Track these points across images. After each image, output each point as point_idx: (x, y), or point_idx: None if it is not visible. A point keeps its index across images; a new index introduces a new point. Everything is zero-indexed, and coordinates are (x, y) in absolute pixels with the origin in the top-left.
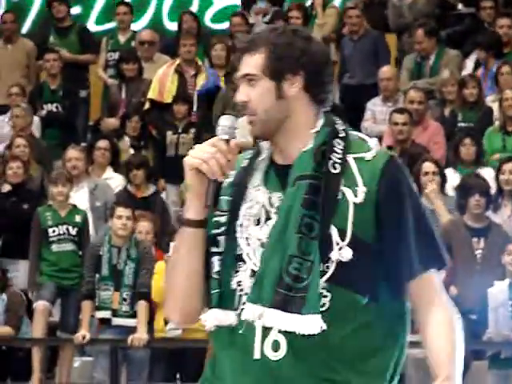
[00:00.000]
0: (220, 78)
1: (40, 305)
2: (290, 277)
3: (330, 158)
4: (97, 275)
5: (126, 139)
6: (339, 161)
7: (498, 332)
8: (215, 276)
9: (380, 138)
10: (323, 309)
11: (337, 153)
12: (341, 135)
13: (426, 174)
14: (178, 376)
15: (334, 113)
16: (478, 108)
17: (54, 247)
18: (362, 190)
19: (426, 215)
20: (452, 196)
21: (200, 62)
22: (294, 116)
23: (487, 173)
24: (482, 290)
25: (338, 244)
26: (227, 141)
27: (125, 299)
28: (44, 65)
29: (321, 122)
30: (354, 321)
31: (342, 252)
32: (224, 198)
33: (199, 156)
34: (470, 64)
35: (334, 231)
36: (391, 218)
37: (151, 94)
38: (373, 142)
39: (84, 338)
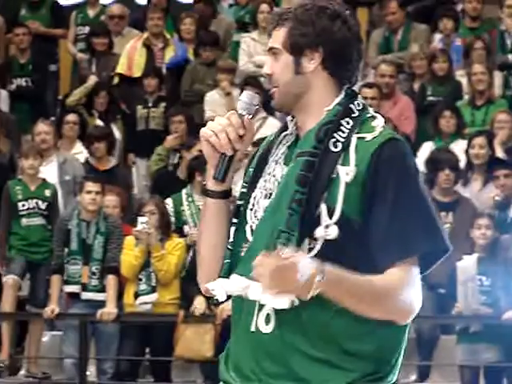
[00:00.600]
0: (188, 51)
1: (9, 279)
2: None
3: (333, 137)
4: (66, 249)
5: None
6: (342, 139)
7: (466, 306)
8: (228, 246)
9: None
10: None
11: (342, 131)
12: (354, 115)
13: None
14: (147, 350)
15: None
16: (448, 82)
17: (24, 221)
18: (351, 169)
19: (416, 200)
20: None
21: (168, 36)
22: (312, 92)
23: (463, 145)
24: (450, 264)
25: (325, 221)
26: (242, 116)
27: (94, 273)
28: (13, 39)
29: (337, 99)
30: None
31: (328, 230)
32: (250, 170)
33: (212, 128)
34: (438, 38)
35: (323, 209)
36: (374, 200)
37: (120, 69)
38: (379, 122)
39: (53, 312)
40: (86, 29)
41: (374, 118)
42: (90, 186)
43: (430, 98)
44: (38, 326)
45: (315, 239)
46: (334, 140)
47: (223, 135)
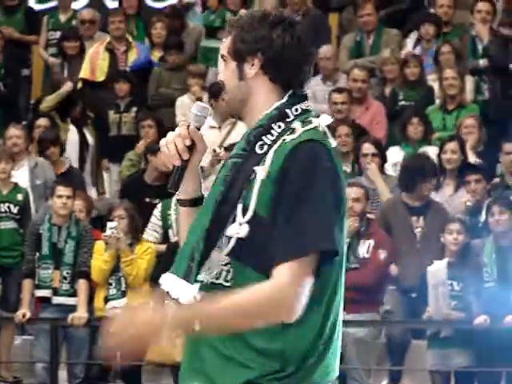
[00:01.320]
0: (152, 53)
1: None
2: (196, 250)
3: (261, 139)
4: (37, 254)
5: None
6: (269, 142)
7: (437, 311)
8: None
9: None
10: (228, 284)
11: (271, 135)
12: (288, 119)
13: (365, 155)
14: (117, 354)
15: None
16: (420, 87)
17: None
18: (265, 168)
19: (309, 205)
20: (393, 175)
21: (130, 38)
22: (255, 97)
23: (431, 151)
24: (421, 269)
25: (238, 220)
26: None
27: (65, 278)
28: None
29: (277, 104)
30: None
31: (240, 228)
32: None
33: (166, 139)
34: (410, 43)
35: (239, 208)
36: (280, 199)
37: (82, 74)
38: (306, 126)
39: (24, 316)
40: (58, 33)
41: (309, 122)
42: (61, 190)
43: (402, 103)
44: (9, 331)
45: (228, 237)
46: (261, 143)
47: (172, 146)
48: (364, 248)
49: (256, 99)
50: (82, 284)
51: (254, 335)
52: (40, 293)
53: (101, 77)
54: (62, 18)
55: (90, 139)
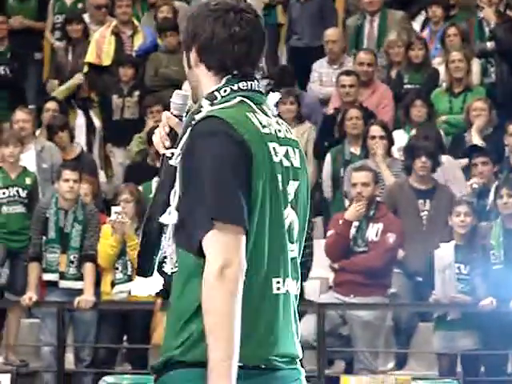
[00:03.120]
0: (157, 37)
1: None
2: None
3: (191, 124)
4: (43, 238)
5: None
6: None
7: (444, 294)
8: None
9: (328, 100)
10: (175, 270)
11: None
12: (215, 101)
13: (373, 137)
14: (124, 338)
15: (282, 73)
16: (425, 70)
17: (4, 209)
18: (177, 152)
19: (201, 180)
20: (399, 159)
21: (137, 23)
22: (200, 85)
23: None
24: (428, 252)
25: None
26: (173, 115)
27: (72, 262)
28: None
29: (212, 88)
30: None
31: (170, 215)
32: None
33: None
34: (416, 26)
35: (171, 195)
36: (180, 180)
37: (89, 58)
38: (205, 104)
39: (31, 299)
40: (63, 17)
41: (227, 101)
42: (68, 174)
43: (407, 86)
44: (16, 314)
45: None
46: (190, 127)
47: (157, 134)
48: (373, 231)
49: (202, 86)
50: (88, 267)
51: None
52: (47, 276)
53: (107, 61)
54: (68, 1)
55: (97, 122)
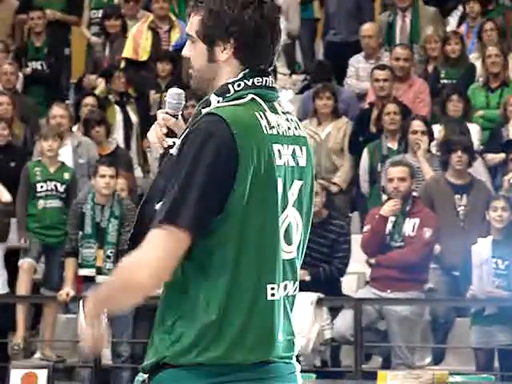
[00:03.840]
0: None
1: (25, 263)
2: None
3: (200, 113)
4: (80, 233)
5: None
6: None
7: (481, 289)
8: None
9: (364, 95)
10: None
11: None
12: (228, 94)
13: (415, 132)
14: None
15: (319, 68)
16: (461, 65)
17: (41, 203)
18: (178, 142)
19: (180, 178)
20: (437, 154)
21: (173, 17)
22: (221, 77)
23: (472, 128)
24: (465, 247)
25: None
26: (169, 115)
27: (109, 257)
28: (28, 23)
29: (228, 81)
30: None
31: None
32: None
33: (151, 127)
34: (452, 21)
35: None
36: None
37: (126, 53)
38: (213, 100)
39: (68, 295)
40: (100, 12)
41: (241, 98)
42: (104, 170)
43: (444, 81)
44: (53, 309)
45: None
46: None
47: (153, 133)
48: (409, 226)
49: (221, 79)
50: None
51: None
52: (83, 272)
53: (144, 56)
54: None
55: (134, 118)
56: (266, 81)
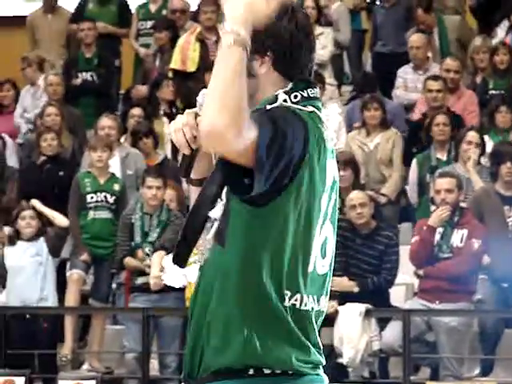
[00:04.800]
0: None
1: (74, 274)
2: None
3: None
4: (131, 243)
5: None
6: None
7: None
8: None
9: (412, 106)
10: (200, 264)
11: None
12: (276, 103)
13: (470, 143)
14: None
15: (365, 80)
16: (509, 75)
17: (90, 214)
18: None
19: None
20: (486, 166)
21: None
22: (263, 91)
23: None
24: None
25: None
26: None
27: (147, 254)
28: (79, 34)
29: (279, 91)
30: None
31: (216, 210)
32: None
33: (174, 126)
34: (500, 32)
35: (225, 189)
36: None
37: (173, 64)
38: (281, 97)
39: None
40: (148, 23)
41: (303, 106)
42: (151, 181)
43: (492, 92)
44: (101, 321)
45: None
46: None
47: (180, 134)
48: (458, 237)
49: (264, 93)
50: (159, 254)
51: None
52: (139, 280)
53: (192, 67)
54: (152, 7)
55: None
56: (316, 91)
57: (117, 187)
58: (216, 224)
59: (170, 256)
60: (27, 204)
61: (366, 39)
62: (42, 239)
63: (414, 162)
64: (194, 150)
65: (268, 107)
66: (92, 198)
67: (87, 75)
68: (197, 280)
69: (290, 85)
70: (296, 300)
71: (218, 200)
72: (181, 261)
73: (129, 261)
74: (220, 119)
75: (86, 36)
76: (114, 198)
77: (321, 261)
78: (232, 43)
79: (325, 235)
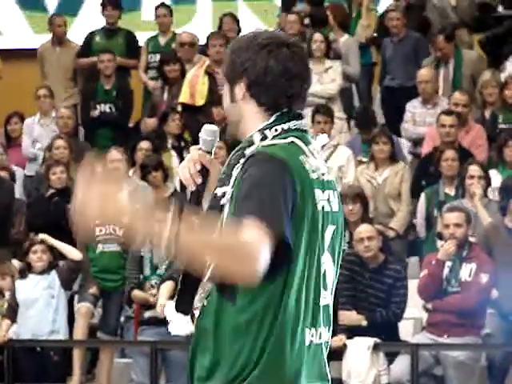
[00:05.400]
0: None
1: (83, 307)
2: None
3: (238, 162)
4: (140, 276)
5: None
6: (245, 158)
7: None
8: None
9: (420, 140)
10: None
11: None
12: (263, 137)
13: (472, 177)
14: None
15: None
16: None
17: (99, 247)
18: (229, 191)
19: (260, 191)
20: (495, 200)
21: None
22: (245, 120)
23: None
24: None
25: None
26: (203, 151)
27: (152, 286)
28: (98, 65)
29: (260, 126)
30: None
31: None
32: None
33: (182, 163)
34: (509, 65)
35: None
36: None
37: (182, 98)
38: (256, 139)
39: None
40: (157, 56)
41: (282, 138)
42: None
43: (501, 126)
44: (110, 354)
45: None
46: (238, 165)
47: (184, 170)
48: (466, 271)
49: (246, 122)
50: (168, 284)
51: None
52: (148, 313)
53: (200, 101)
54: (162, 40)
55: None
56: (301, 123)
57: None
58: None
59: (172, 304)
60: (38, 238)
61: (376, 72)
62: (53, 272)
63: (423, 196)
64: (200, 185)
65: (247, 153)
66: (101, 230)
67: (105, 107)
68: (200, 323)
69: (273, 118)
70: (312, 336)
71: None
72: (184, 308)
73: (136, 293)
74: (240, 271)
75: (105, 68)
76: (122, 230)
77: (323, 292)
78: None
79: (324, 267)
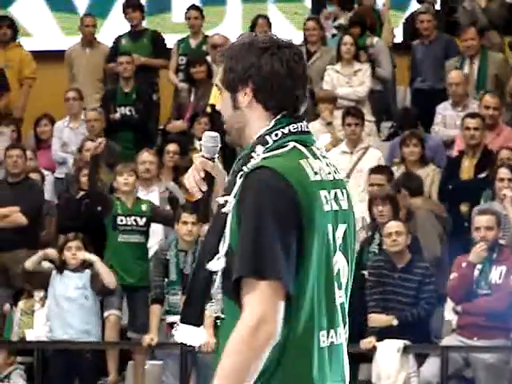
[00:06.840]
0: None
1: (111, 316)
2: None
3: (242, 170)
4: (165, 280)
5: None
6: (246, 170)
7: None
8: None
9: (451, 143)
10: (223, 315)
11: (250, 163)
12: (267, 145)
13: (502, 180)
14: None
15: (405, 115)
16: None
17: (120, 237)
18: (231, 200)
19: (255, 230)
20: None
21: None
22: (250, 125)
23: None
24: None
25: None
26: (207, 158)
27: None
28: (117, 68)
29: (262, 131)
30: None
31: (218, 262)
32: None
33: (188, 172)
34: None
35: (221, 242)
36: (239, 227)
37: (212, 100)
38: (259, 150)
39: (152, 340)
40: (187, 58)
41: (282, 147)
42: (186, 216)
43: None
44: (141, 356)
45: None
46: (241, 173)
47: (190, 179)
48: (496, 274)
49: (251, 128)
50: (154, 308)
51: None
52: (171, 319)
53: None
54: (192, 43)
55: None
56: (301, 126)
57: (144, 208)
58: (219, 276)
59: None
60: (73, 235)
61: (397, 75)
62: (87, 271)
63: None
64: (206, 193)
65: (248, 166)
66: (122, 220)
67: (126, 110)
68: (221, 331)
69: (273, 122)
70: (332, 337)
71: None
72: (192, 320)
73: (154, 309)
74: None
75: (124, 70)
76: (144, 219)
77: (338, 292)
78: None
79: (338, 266)
